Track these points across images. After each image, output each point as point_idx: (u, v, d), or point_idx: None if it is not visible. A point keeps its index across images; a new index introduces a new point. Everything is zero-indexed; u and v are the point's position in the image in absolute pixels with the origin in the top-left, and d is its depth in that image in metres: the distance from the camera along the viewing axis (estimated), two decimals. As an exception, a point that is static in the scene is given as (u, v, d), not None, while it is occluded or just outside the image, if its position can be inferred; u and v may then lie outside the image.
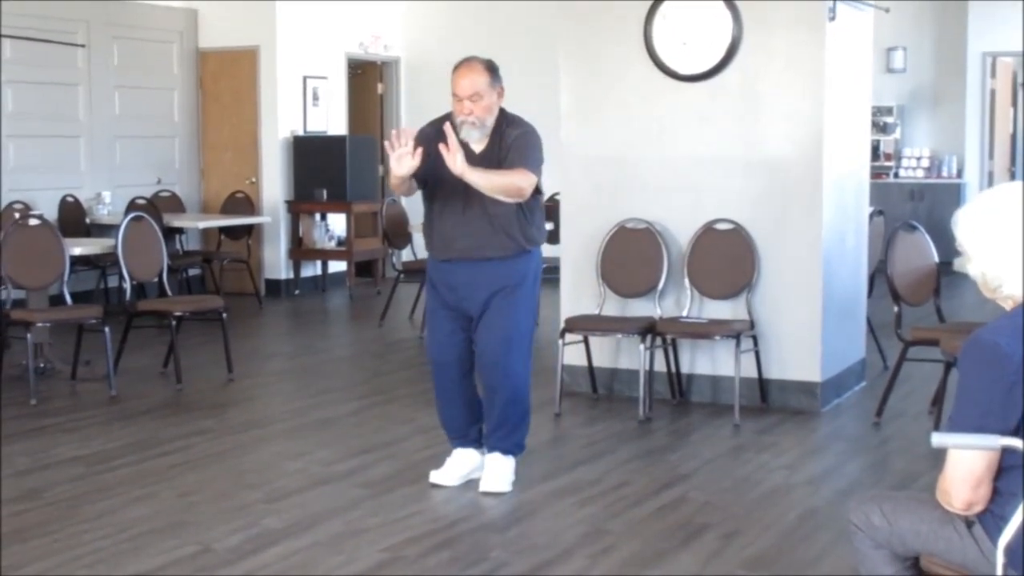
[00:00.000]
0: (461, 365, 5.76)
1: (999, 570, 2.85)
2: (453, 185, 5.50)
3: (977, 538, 3.08)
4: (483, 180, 5.42)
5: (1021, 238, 3.00)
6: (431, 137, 5.51)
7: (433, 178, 5.57)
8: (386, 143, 5.41)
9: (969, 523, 3.09)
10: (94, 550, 4.92)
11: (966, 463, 2.94)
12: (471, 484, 5.76)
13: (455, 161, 5.30)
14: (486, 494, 5.65)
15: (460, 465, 5.83)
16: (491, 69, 5.57)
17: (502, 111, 5.64)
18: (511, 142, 5.56)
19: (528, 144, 5.59)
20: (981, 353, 2.95)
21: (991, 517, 3.01)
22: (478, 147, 5.57)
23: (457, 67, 5.58)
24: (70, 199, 11.46)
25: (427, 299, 5.92)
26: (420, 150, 5.35)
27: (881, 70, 14.60)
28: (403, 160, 5.34)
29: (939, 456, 3.02)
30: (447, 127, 5.46)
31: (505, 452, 5.76)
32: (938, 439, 2.83)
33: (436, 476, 5.82)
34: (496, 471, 5.73)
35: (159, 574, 4.66)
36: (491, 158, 5.56)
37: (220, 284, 12.23)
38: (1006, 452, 2.88)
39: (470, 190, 5.49)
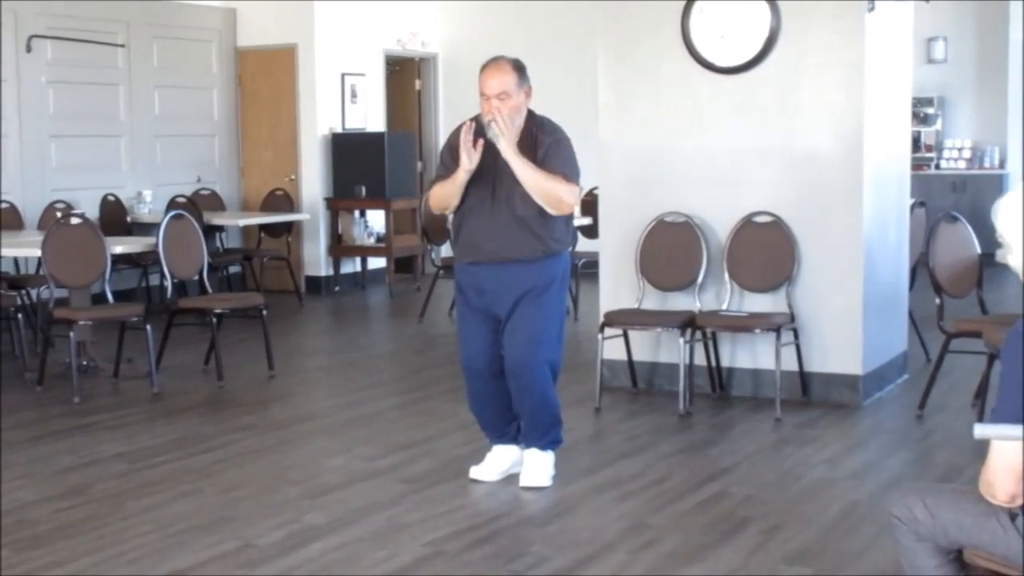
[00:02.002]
0: (493, 368, 5.71)
1: (1044, 562, 2.84)
2: (481, 187, 5.51)
3: (1021, 530, 3.05)
4: (527, 173, 5.40)
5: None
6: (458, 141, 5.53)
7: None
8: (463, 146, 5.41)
9: (1013, 515, 3.07)
10: (138, 546, 4.96)
11: (1009, 455, 2.92)
12: (511, 479, 5.77)
13: (502, 144, 5.32)
14: (526, 489, 5.65)
15: (499, 461, 5.83)
16: (519, 68, 5.54)
17: (530, 112, 5.61)
18: (547, 149, 5.51)
19: (567, 154, 5.57)
20: (1022, 343, 2.93)
21: (1035, 509, 3.00)
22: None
23: (485, 66, 5.56)
24: (111, 198, 11.53)
25: (456, 305, 5.89)
26: (481, 142, 5.42)
27: (921, 61, 14.50)
28: (472, 155, 5.38)
29: (982, 449, 3.00)
30: (466, 125, 5.45)
31: (543, 448, 5.76)
32: (980, 430, 2.81)
33: (476, 472, 5.83)
34: (535, 467, 5.73)
35: (202, 570, 4.69)
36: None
37: (260, 281, 12.29)
38: (1050, 443, 2.86)
39: (498, 192, 5.49)
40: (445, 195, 5.61)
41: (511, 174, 5.47)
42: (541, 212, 5.52)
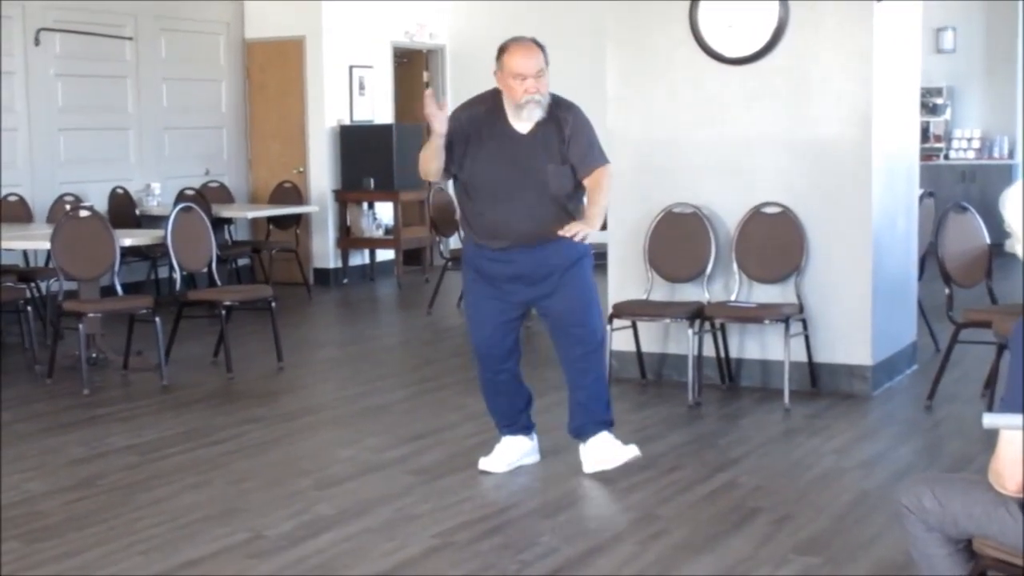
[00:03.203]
0: (509, 356, 5.72)
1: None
2: (503, 171, 5.47)
3: (1031, 520, 3.06)
4: (602, 211, 5.46)
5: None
6: (469, 121, 5.50)
7: (476, 164, 5.51)
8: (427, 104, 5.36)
9: (1022, 505, 3.06)
10: (148, 537, 4.97)
11: (1019, 444, 2.92)
12: (521, 470, 5.78)
13: (584, 234, 5.30)
14: (601, 473, 5.63)
15: (509, 452, 5.83)
16: (542, 46, 5.53)
17: None
18: (571, 131, 5.50)
19: (592, 134, 5.59)
20: (1033, 332, 2.93)
21: (1045, 498, 2.99)
22: (525, 127, 5.49)
23: (512, 48, 5.48)
24: (120, 191, 11.55)
25: (469, 291, 5.78)
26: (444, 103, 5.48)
27: (930, 51, 14.46)
28: (438, 118, 5.35)
29: (992, 439, 3.00)
30: (428, 93, 5.45)
31: (608, 427, 5.74)
32: (989, 420, 2.81)
33: (485, 463, 5.82)
34: (609, 446, 5.68)
35: (212, 561, 4.70)
36: (544, 140, 5.48)
37: (269, 274, 12.30)
38: (1060, 433, 2.86)
39: (527, 173, 5.46)
40: (424, 159, 5.53)
41: (539, 154, 5.46)
42: (573, 189, 5.55)
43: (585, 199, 5.60)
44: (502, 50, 5.50)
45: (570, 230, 5.30)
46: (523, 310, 5.74)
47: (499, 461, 5.81)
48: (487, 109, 5.53)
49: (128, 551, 4.81)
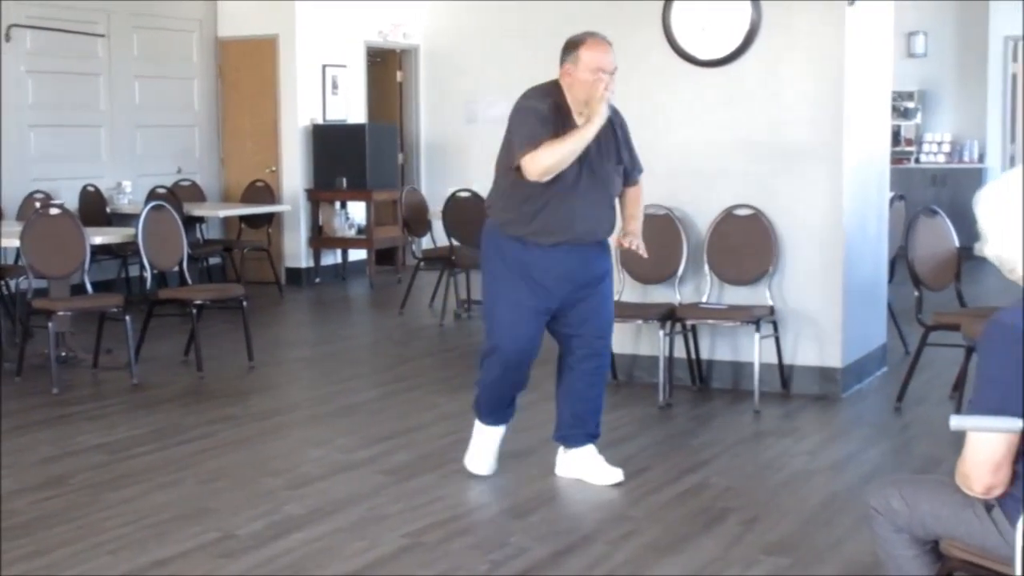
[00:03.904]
0: (533, 358, 5.55)
1: (1019, 553, 2.85)
2: (570, 166, 5.28)
3: (996, 521, 3.07)
4: (641, 223, 5.57)
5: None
6: (552, 111, 5.33)
7: None
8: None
9: (989, 506, 3.09)
10: (117, 536, 4.95)
11: (985, 446, 2.93)
12: (497, 471, 5.77)
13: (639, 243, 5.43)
14: (615, 486, 5.58)
15: (494, 444, 5.73)
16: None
17: None
18: (623, 134, 5.53)
19: (631, 140, 5.64)
20: (1000, 335, 2.94)
21: (1011, 500, 3.01)
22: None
23: (590, 42, 5.36)
24: (91, 188, 11.50)
25: (505, 291, 5.43)
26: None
27: (902, 55, 14.54)
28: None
29: (961, 441, 3.02)
30: (600, 79, 5.27)
31: (595, 439, 5.73)
32: (957, 422, 2.83)
33: (479, 466, 5.72)
34: (600, 461, 5.68)
35: (181, 560, 4.69)
36: (605, 140, 5.38)
37: (241, 273, 12.26)
38: (1026, 435, 2.88)
39: (596, 170, 5.35)
40: (564, 155, 5.20)
41: (605, 152, 5.39)
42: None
43: (617, 204, 5.59)
44: (577, 43, 5.37)
45: (631, 241, 5.43)
46: (551, 315, 5.54)
47: (487, 457, 5.73)
48: (555, 103, 5.36)
49: (97, 550, 4.79)
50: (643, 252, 5.52)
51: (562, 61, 5.43)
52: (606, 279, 5.64)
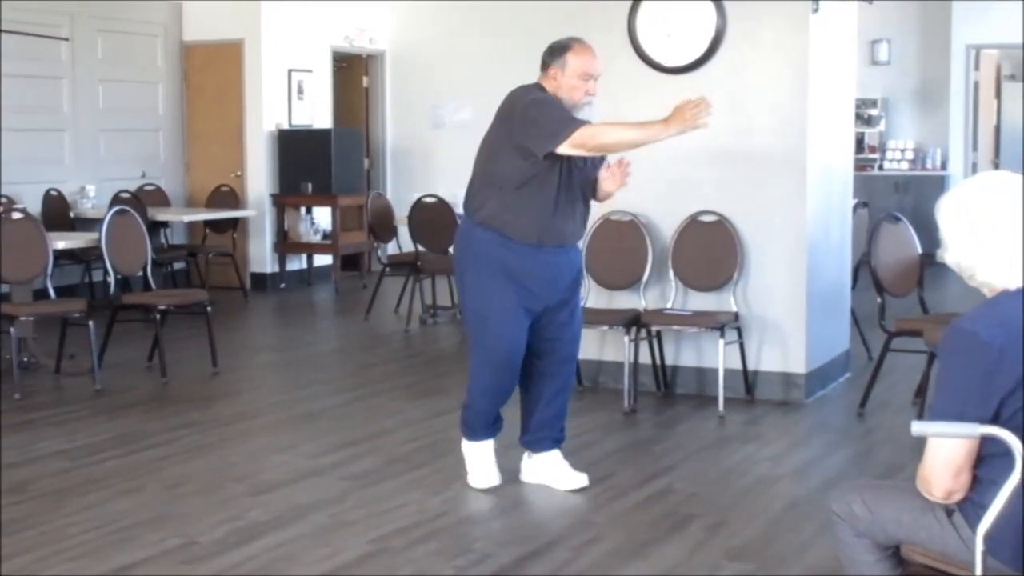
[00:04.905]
0: (520, 362, 5.52)
1: (978, 558, 2.87)
2: (558, 168, 5.30)
3: (957, 526, 3.09)
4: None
5: (993, 225, 3.01)
6: None
7: (543, 162, 5.26)
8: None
9: (949, 511, 3.10)
10: (80, 543, 4.92)
11: (946, 451, 2.95)
12: (458, 475, 5.75)
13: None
14: (576, 491, 5.58)
15: (489, 455, 5.70)
16: None
17: None
18: None
19: None
20: (960, 341, 2.96)
21: (971, 505, 3.03)
22: None
23: (577, 47, 5.37)
24: (54, 193, 11.44)
25: (490, 291, 5.36)
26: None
27: (866, 62, 14.63)
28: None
29: (923, 446, 3.03)
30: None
31: (561, 444, 5.74)
32: (918, 428, 2.84)
33: (485, 480, 5.65)
34: (559, 466, 5.67)
35: (144, 567, 4.66)
36: None
37: (205, 278, 12.22)
38: (985, 440, 2.89)
39: (574, 175, 5.38)
40: (631, 140, 5.33)
41: (584, 159, 5.39)
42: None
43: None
44: (565, 48, 5.37)
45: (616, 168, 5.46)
46: (533, 318, 5.51)
47: (488, 469, 5.68)
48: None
49: (58, 557, 4.76)
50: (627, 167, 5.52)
51: (547, 65, 5.44)
52: (581, 283, 5.72)
